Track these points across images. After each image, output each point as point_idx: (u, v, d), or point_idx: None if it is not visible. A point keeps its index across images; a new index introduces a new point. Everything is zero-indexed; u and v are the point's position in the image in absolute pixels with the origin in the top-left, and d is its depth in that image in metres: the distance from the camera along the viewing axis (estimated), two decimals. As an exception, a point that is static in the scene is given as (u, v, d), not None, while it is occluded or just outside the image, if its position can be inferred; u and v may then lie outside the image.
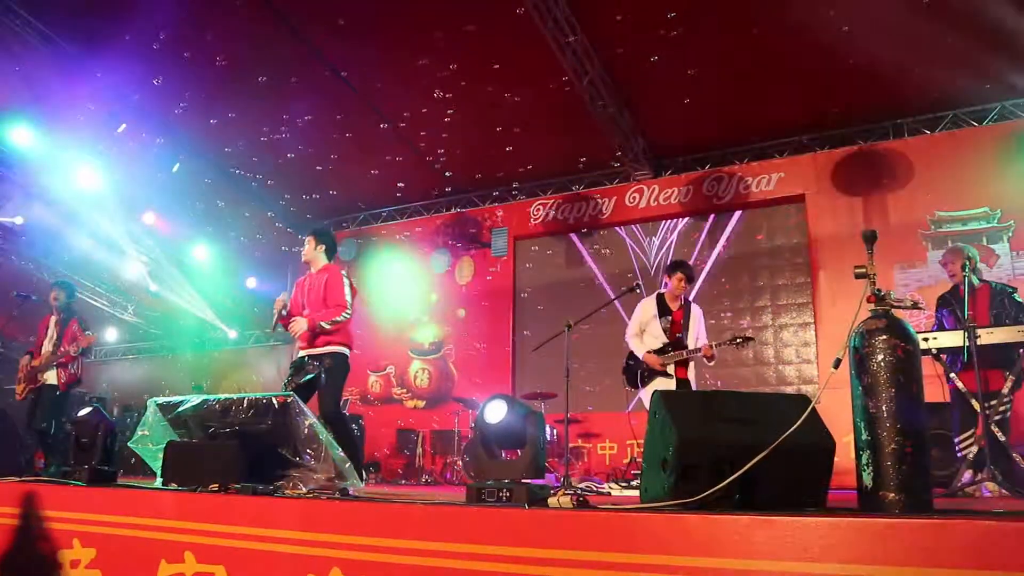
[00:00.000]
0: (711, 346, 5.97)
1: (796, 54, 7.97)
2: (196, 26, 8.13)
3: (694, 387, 6.16)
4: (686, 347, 6.08)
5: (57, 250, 12.14)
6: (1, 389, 12.19)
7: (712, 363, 6.17)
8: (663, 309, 6.24)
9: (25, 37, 8.39)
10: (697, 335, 6.16)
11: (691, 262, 10.06)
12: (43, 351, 7.05)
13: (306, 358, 5.29)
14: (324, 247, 5.56)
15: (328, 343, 5.27)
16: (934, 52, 7.73)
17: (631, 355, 6.35)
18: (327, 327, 5.21)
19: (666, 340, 6.13)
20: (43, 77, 8.84)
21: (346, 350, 5.34)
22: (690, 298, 6.46)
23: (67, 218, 11.06)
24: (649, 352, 6.14)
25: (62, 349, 6.87)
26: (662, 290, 6.36)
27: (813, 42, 7.76)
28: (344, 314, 5.22)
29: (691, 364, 6.18)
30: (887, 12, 7.31)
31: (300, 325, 5.17)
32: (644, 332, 6.25)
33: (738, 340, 6.03)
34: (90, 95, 9.17)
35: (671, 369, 6.07)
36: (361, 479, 5.14)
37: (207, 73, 8.79)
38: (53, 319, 7.21)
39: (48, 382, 6.97)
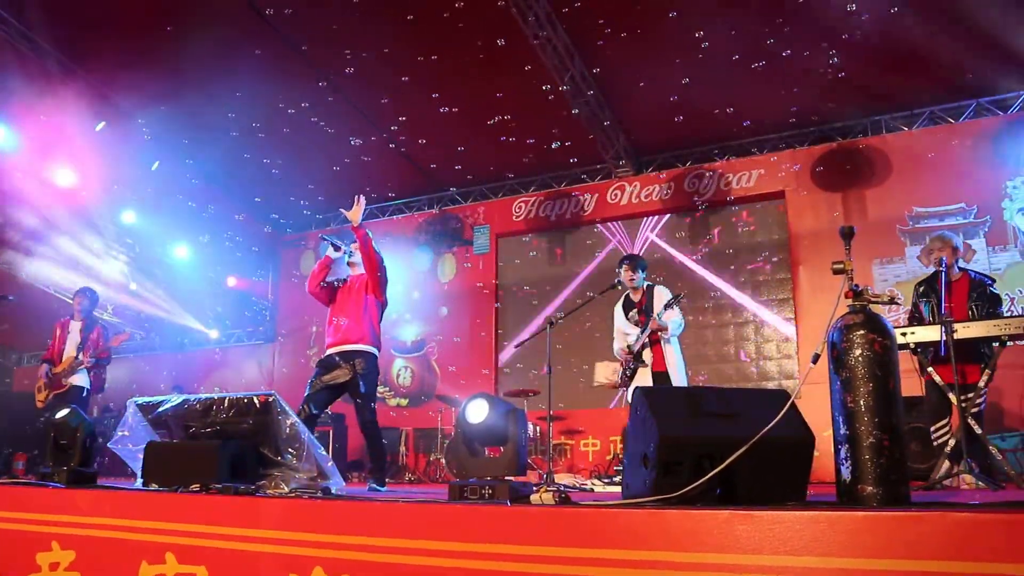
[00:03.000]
0: (655, 318, 5.91)
1: (775, 52, 8.03)
2: (175, 25, 8.07)
3: (681, 379, 5.97)
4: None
5: (35, 249, 11.98)
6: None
7: (669, 333, 5.96)
8: (628, 305, 6.27)
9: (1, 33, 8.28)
10: (658, 312, 6.05)
11: (672, 259, 10.16)
12: (66, 356, 7.01)
13: (336, 357, 5.27)
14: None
15: (360, 341, 5.27)
16: (911, 50, 7.81)
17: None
18: (372, 249, 5.31)
19: (639, 330, 6.09)
20: (19, 73, 8.73)
21: (376, 351, 5.35)
22: (654, 285, 6.36)
23: (45, 217, 10.93)
24: (621, 349, 6.16)
25: (81, 357, 6.88)
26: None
27: (792, 40, 7.83)
28: (383, 274, 5.43)
29: (672, 353, 6.01)
30: (865, 11, 7.38)
31: (357, 215, 5.32)
32: (626, 336, 6.22)
33: (671, 301, 5.97)
34: (68, 92, 9.06)
35: (647, 357, 6.00)
36: (383, 485, 5.17)
37: (186, 72, 8.73)
38: (76, 325, 7.19)
39: (76, 384, 6.94)
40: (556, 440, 9.72)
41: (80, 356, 6.93)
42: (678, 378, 5.95)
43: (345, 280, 5.58)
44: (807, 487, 2.53)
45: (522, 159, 10.59)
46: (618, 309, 6.35)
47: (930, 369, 5.12)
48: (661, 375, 5.94)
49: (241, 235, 12.58)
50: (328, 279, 5.58)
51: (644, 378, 5.97)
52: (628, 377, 6.13)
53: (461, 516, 2.36)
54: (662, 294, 6.18)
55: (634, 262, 6.29)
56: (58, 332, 7.20)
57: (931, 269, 5.79)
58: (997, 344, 4.96)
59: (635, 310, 6.17)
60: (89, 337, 7.07)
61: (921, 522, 1.80)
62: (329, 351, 5.36)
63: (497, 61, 8.42)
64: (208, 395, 3.80)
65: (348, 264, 5.61)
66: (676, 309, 6.04)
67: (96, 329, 7.18)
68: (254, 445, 3.55)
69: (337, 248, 5.52)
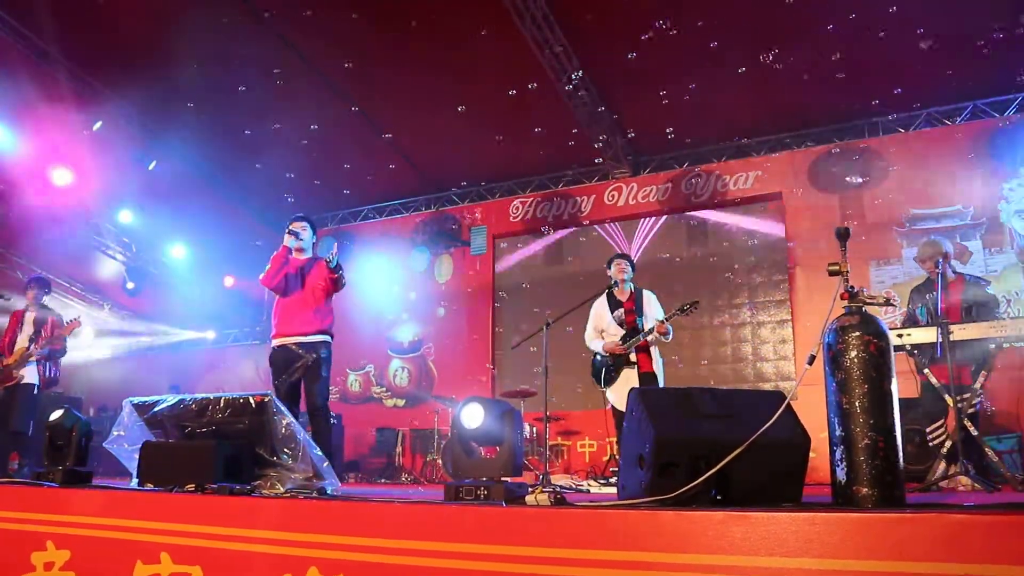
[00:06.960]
0: (662, 322, 5.86)
1: (773, 53, 8.02)
2: (174, 24, 8.04)
3: (662, 381, 6.03)
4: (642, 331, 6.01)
5: (31, 248, 11.95)
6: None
7: (668, 339, 5.93)
8: (614, 303, 6.24)
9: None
10: (652, 317, 6.04)
11: (669, 259, 10.16)
12: (17, 347, 6.90)
13: (293, 346, 5.21)
14: (315, 238, 5.65)
15: (321, 331, 5.25)
16: (908, 52, 7.82)
17: (596, 354, 6.28)
18: (340, 277, 5.25)
19: (624, 331, 6.07)
20: (15, 73, 8.71)
21: (331, 339, 5.36)
22: (642, 288, 6.37)
23: (41, 216, 10.89)
24: (609, 343, 6.11)
25: (33, 348, 6.76)
26: (610, 285, 6.33)
27: (790, 42, 7.83)
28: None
29: (656, 355, 6.05)
30: (863, 13, 7.38)
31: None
32: (603, 332, 6.21)
33: (686, 307, 5.92)
34: (65, 91, 9.03)
35: (634, 357, 5.98)
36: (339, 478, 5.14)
37: (185, 71, 8.70)
38: (31, 316, 7.06)
39: (25, 380, 6.82)
40: (552, 441, 9.72)
41: (32, 347, 6.83)
42: (662, 380, 6.03)
43: (294, 270, 5.43)
44: (803, 488, 2.53)
45: (519, 160, 10.58)
46: (602, 306, 6.30)
47: (927, 370, 5.13)
48: (649, 376, 5.94)
49: (238, 235, 12.55)
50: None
51: (631, 379, 5.93)
52: (611, 375, 6.08)
53: (456, 517, 2.36)
54: (652, 299, 6.21)
55: (629, 260, 6.34)
56: (11, 324, 7.08)
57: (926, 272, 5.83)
58: (993, 346, 4.97)
59: (621, 309, 6.15)
60: (42, 329, 6.93)
61: (916, 524, 1.81)
62: (283, 341, 5.24)
63: (496, 63, 8.41)
64: (204, 395, 3.79)
65: (295, 250, 5.43)
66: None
67: (50, 320, 6.98)
68: (250, 445, 3.56)
69: (295, 236, 5.39)
